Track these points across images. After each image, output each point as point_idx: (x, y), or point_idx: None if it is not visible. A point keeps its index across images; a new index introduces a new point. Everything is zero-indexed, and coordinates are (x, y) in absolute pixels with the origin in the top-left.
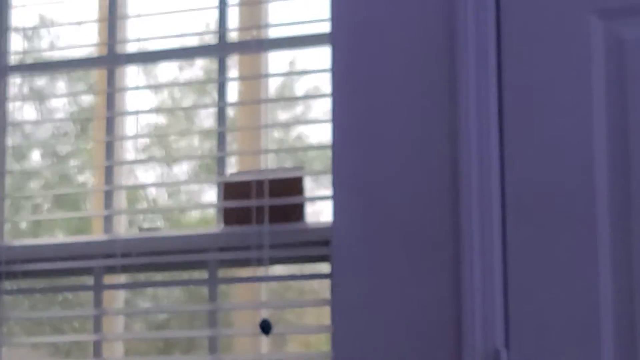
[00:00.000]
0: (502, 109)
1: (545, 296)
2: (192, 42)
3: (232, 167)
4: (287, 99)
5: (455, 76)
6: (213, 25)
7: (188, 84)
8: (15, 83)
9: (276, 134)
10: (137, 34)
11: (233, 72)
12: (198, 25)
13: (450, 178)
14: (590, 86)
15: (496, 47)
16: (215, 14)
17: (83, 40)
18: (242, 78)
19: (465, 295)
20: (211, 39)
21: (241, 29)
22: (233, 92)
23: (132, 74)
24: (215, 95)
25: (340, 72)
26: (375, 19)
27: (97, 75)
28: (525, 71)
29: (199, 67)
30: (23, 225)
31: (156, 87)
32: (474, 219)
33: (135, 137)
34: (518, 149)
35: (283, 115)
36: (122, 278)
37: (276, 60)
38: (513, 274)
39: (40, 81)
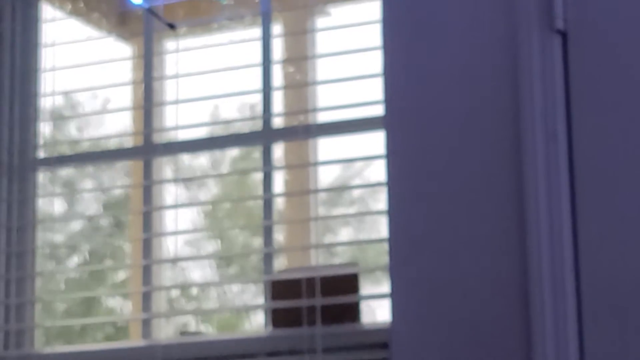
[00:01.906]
0: (574, 194)
1: None
2: (235, 128)
3: (280, 264)
4: (339, 189)
5: (522, 160)
6: (257, 110)
7: (230, 174)
8: (45, 176)
9: (327, 225)
10: (174, 122)
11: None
12: (241, 111)
13: (520, 272)
14: None
15: (566, 127)
16: (259, 98)
17: (117, 129)
18: (289, 167)
19: None
20: (255, 125)
21: (287, 113)
22: (280, 182)
23: (170, 165)
24: (260, 185)
25: (396, 158)
26: (432, 100)
27: (132, 166)
28: (600, 151)
29: (241, 156)
30: (55, 330)
31: (196, 180)
32: (547, 318)
33: (175, 233)
34: (593, 237)
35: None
36: None
37: (326, 147)
38: None
39: (71, 173)
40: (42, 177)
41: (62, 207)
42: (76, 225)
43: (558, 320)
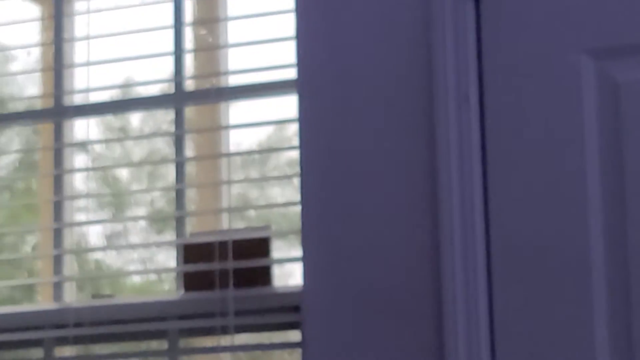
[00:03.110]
0: (485, 156)
1: (536, 358)
2: (146, 91)
3: (191, 227)
4: (249, 152)
5: (434, 122)
6: (168, 73)
7: (142, 137)
8: None
9: (238, 190)
10: (85, 84)
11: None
12: (152, 74)
13: (431, 234)
14: (582, 130)
15: (478, 89)
16: (170, 62)
17: (26, 91)
18: (200, 130)
19: None
20: (167, 88)
21: (199, 77)
22: (191, 145)
23: (81, 127)
24: (172, 148)
25: (308, 122)
26: (345, 64)
27: (42, 129)
28: (511, 113)
29: (153, 118)
30: None
31: (106, 142)
32: (457, 279)
33: (86, 196)
34: (503, 199)
35: (246, 171)
36: (74, 350)
37: (238, 110)
38: (501, 340)
39: None
40: None
41: None
42: None
43: (468, 279)
